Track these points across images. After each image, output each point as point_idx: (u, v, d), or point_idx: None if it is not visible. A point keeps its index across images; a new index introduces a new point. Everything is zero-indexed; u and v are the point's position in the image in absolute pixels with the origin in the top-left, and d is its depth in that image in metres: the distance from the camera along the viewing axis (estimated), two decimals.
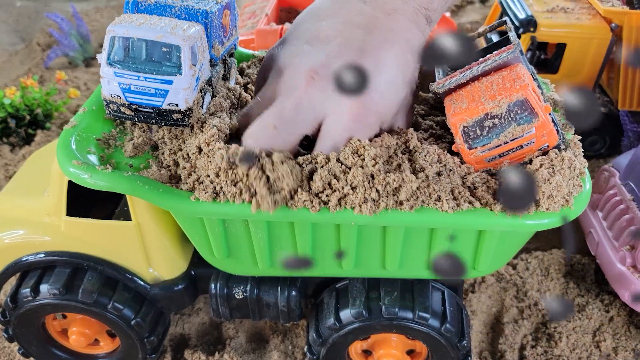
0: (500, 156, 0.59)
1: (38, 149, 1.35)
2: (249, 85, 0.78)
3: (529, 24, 1.13)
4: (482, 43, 1.26)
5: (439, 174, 0.59)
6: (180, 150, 0.63)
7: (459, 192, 0.57)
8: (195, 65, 0.60)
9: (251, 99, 0.73)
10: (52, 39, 2.07)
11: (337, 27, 0.62)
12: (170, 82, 0.59)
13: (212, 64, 0.67)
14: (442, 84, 0.63)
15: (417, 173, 0.58)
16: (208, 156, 0.58)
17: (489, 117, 0.58)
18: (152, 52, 0.59)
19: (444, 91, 0.63)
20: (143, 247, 0.72)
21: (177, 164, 0.62)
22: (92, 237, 0.72)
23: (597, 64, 1.19)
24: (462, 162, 0.61)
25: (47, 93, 1.48)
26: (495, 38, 1.22)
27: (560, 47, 1.18)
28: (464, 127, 0.59)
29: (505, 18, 0.72)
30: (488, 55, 0.63)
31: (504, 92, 0.58)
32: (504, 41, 0.70)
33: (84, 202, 0.72)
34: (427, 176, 0.58)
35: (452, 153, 0.62)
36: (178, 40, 0.57)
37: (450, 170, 0.60)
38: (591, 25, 1.15)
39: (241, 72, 0.82)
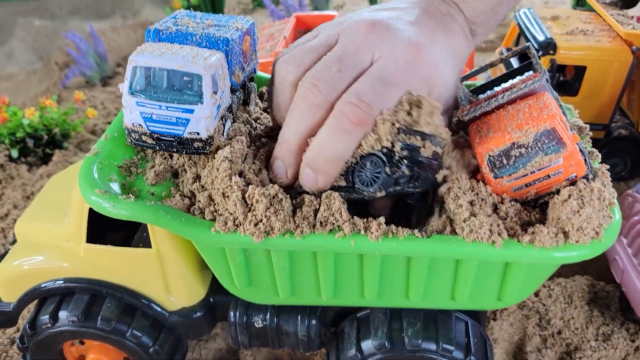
0: (526, 186, 0.58)
1: (58, 172, 1.36)
2: (269, 110, 0.77)
3: (548, 46, 1.12)
4: (501, 68, 1.25)
5: (471, 203, 0.58)
6: (200, 178, 0.62)
7: (492, 224, 0.56)
8: (216, 94, 0.59)
9: (270, 122, 0.73)
10: (70, 58, 2.10)
11: (395, 6, 0.63)
12: (191, 111, 0.58)
13: (233, 90, 0.67)
14: (467, 112, 0.62)
15: (450, 201, 0.57)
16: (223, 195, 0.57)
17: (515, 146, 0.57)
18: (174, 81, 0.58)
19: (468, 119, 0.62)
20: (163, 275, 0.71)
21: (197, 192, 0.62)
22: (111, 264, 0.72)
23: (618, 87, 1.17)
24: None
25: (65, 113, 1.49)
26: (514, 62, 1.21)
27: (580, 70, 1.17)
28: (489, 156, 0.58)
29: (528, 44, 0.71)
30: (514, 83, 0.62)
31: (530, 121, 0.57)
32: (525, 66, 0.69)
33: (100, 225, 0.72)
34: (460, 205, 0.57)
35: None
36: (199, 69, 0.57)
37: (482, 200, 0.58)
38: (612, 48, 1.14)
39: (261, 96, 0.82)
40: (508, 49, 1.34)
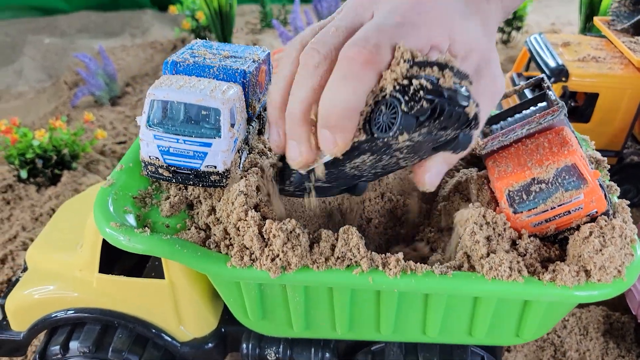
0: (546, 221, 0.58)
1: (66, 193, 1.35)
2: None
3: (560, 73, 1.12)
4: (513, 97, 1.24)
5: (488, 238, 0.57)
6: (215, 211, 0.62)
7: (511, 261, 0.55)
8: (233, 127, 0.59)
9: None
10: (79, 77, 2.11)
11: None
12: (209, 145, 0.58)
13: (248, 121, 0.66)
14: (484, 146, 0.62)
15: (466, 237, 0.57)
16: (239, 229, 0.57)
17: (535, 182, 0.56)
18: (192, 114, 0.58)
19: (486, 153, 0.62)
20: (175, 305, 0.71)
21: (213, 225, 0.61)
22: (124, 294, 0.71)
23: (631, 114, 1.17)
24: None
25: (75, 134, 1.49)
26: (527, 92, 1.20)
27: (592, 97, 1.17)
28: (509, 191, 0.57)
29: (542, 75, 0.71)
30: (532, 117, 0.62)
31: (551, 157, 0.56)
32: (539, 97, 0.69)
33: (111, 252, 0.71)
34: (477, 241, 0.56)
35: None
36: (217, 103, 0.57)
37: (499, 235, 0.58)
38: (624, 75, 1.14)
39: None
40: (519, 74, 1.34)
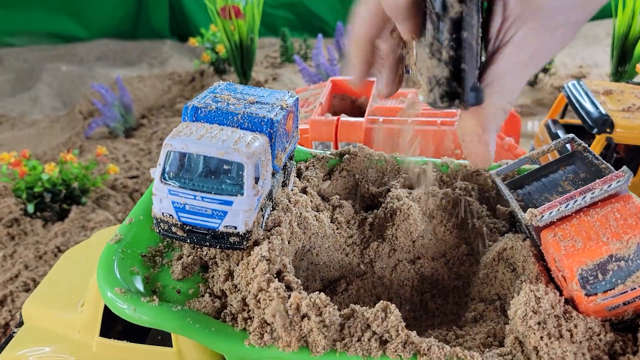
0: (624, 304, 0.50)
1: (73, 229, 1.29)
2: (307, 189, 0.70)
3: (604, 124, 1.05)
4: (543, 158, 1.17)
5: (543, 323, 0.49)
6: (232, 275, 0.55)
7: (575, 352, 0.47)
8: (257, 183, 0.52)
9: (310, 201, 0.66)
10: (94, 107, 2.07)
11: None
12: (230, 203, 0.51)
13: (273, 174, 0.60)
14: (541, 216, 0.54)
15: (517, 321, 0.49)
16: (259, 301, 0.50)
17: (613, 259, 0.49)
18: (211, 167, 0.52)
19: (544, 224, 0.54)
20: None
21: (230, 292, 0.54)
22: None
23: None
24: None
25: (86, 167, 1.44)
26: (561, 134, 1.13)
27: (638, 148, 1.09)
28: (582, 270, 0.50)
29: (572, 135, 0.64)
30: (592, 184, 0.54)
31: (630, 230, 0.49)
32: (567, 158, 0.63)
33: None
34: (530, 327, 0.48)
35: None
36: (241, 157, 0.50)
37: (556, 317, 0.50)
38: None
39: (298, 173, 0.75)
40: (554, 121, 1.27)
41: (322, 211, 0.68)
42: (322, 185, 0.74)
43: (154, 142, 1.86)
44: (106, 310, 0.62)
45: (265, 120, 0.55)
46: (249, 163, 0.50)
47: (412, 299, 0.67)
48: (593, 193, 0.54)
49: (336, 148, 1.12)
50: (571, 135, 0.65)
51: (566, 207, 0.54)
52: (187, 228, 0.53)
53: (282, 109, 0.59)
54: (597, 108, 1.09)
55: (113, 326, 0.64)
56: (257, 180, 0.52)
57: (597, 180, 0.55)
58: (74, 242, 1.26)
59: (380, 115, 1.11)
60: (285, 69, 2.67)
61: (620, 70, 1.96)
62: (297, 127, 0.68)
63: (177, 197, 0.51)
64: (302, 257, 0.63)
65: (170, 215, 0.52)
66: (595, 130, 1.05)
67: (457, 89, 0.44)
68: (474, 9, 0.43)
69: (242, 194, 0.51)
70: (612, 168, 0.56)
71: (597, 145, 1.05)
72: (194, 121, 0.56)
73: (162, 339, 0.64)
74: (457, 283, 0.67)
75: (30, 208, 1.35)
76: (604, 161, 0.58)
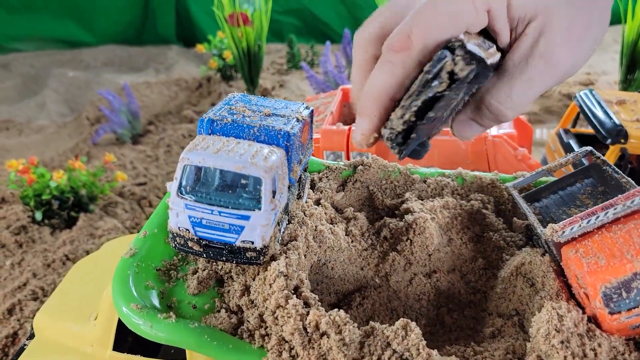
0: None
1: (81, 237, 1.29)
2: (321, 201, 0.70)
3: (618, 134, 1.04)
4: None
5: (566, 342, 0.48)
6: (249, 290, 0.54)
7: None
8: (275, 196, 0.51)
9: (325, 214, 0.65)
10: (101, 113, 2.07)
11: None
12: (247, 218, 0.50)
13: (289, 187, 0.59)
14: (562, 232, 0.53)
15: (540, 339, 0.48)
16: (277, 318, 0.49)
17: (638, 277, 0.48)
18: (228, 181, 0.51)
19: (565, 241, 0.54)
20: None
21: (246, 308, 0.53)
22: None
23: None
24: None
25: (94, 175, 1.43)
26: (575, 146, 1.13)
27: None
28: (606, 287, 0.49)
29: (590, 148, 0.63)
30: (614, 199, 0.53)
31: None
32: (583, 172, 0.62)
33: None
34: (554, 346, 0.47)
35: None
36: (259, 171, 0.49)
37: (580, 336, 0.49)
38: None
39: (312, 185, 0.74)
40: (566, 131, 1.26)
41: (336, 223, 0.67)
42: (336, 197, 0.73)
43: (161, 148, 1.86)
44: (119, 323, 0.62)
45: (282, 133, 0.55)
46: (267, 177, 0.50)
47: (428, 313, 0.66)
48: (615, 209, 0.53)
49: (347, 158, 1.11)
50: (589, 147, 0.64)
51: (588, 222, 0.53)
52: (203, 242, 0.52)
53: (298, 121, 0.58)
54: (610, 118, 1.08)
55: (125, 340, 0.64)
56: (274, 194, 0.52)
57: (620, 196, 0.54)
58: (82, 250, 1.26)
59: None
60: (292, 75, 2.66)
61: (630, 78, 1.95)
62: (312, 138, 0.67)
63: (194, 211, 0.51)
64: (317, 271, 0.63)
65: (187, 229, 0.52)
66: (609, 141, 1.04)
67: (401, 144, 0.51)
68: (463, 90, 0.48)
69: (259, 209, 0.50)
70: (634, 183, 0.55)
71: (610, 156, 1.04)
72: (209, 134, 0.55)
73: (175, 353, 0.63)
74: (474, 297, 0.66)
75: (38, 215, 1.35)
76: (624, 175, 0.57)
